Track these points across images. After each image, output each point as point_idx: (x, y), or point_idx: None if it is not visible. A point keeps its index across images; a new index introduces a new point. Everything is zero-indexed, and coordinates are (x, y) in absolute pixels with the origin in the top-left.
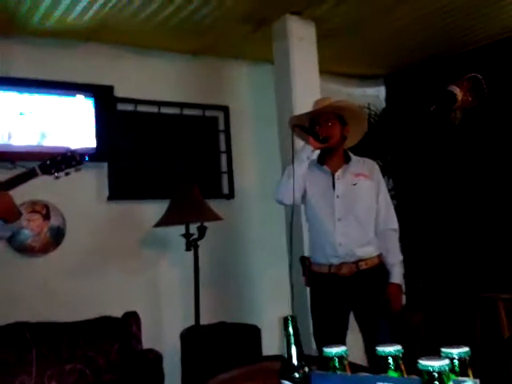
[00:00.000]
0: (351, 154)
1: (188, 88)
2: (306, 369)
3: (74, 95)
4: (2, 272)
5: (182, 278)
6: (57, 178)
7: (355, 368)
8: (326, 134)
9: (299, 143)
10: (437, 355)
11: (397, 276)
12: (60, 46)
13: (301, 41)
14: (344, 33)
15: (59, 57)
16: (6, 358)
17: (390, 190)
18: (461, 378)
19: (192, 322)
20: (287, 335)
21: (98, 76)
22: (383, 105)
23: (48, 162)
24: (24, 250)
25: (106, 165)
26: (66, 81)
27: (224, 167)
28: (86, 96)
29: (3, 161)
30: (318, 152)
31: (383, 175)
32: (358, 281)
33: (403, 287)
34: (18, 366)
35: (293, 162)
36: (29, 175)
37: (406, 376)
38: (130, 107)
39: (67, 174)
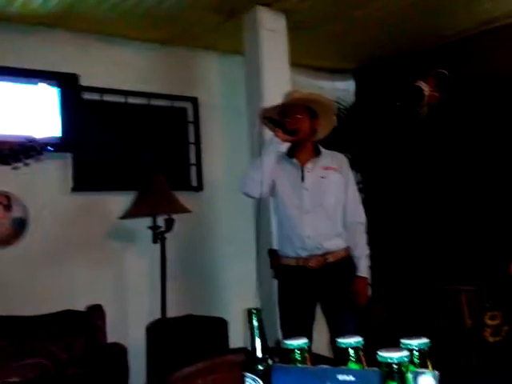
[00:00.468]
0: (321, 148)
1: (156, 78)
2: (270, 361)
3: (37, 83)
4: None
5: (149, 270)
6: (15, 168)
7: (319, 360)
8: (294, 126)
9: (268, 135)
10: (397, 347)
11: (363, 269)
12: (24, 32)
13: (271, 33)
14: (314, 25)
15: (23, 43)
16: None
17: (357, 184)
18: (420, 370)
19: (158, 315)
20: (251, 328)
21: (63, 64)
22: (352, 99)
23: (6, 152)
24: None
25: (70, 155)
26: (29, 68)
27: (193, 159)
28: (50, 84)
29: None
30: (287, 144)
31: (352, 169)
32: (326, 273)
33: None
34: None
35: (261, 155)
36: None
37: (366, 368)
38: (95, 96)
39: (26, 164)
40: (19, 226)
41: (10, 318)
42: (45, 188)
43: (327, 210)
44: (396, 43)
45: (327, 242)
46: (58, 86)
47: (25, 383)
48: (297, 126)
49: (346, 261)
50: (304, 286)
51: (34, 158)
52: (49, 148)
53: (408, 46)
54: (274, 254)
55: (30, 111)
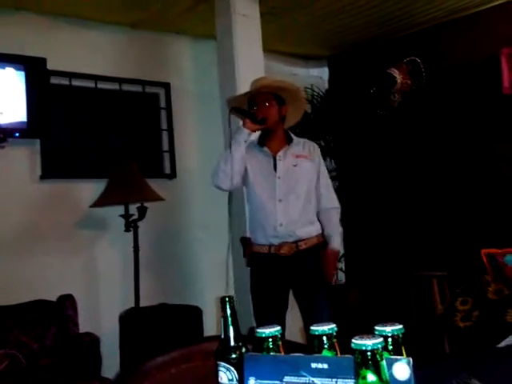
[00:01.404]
0: (292, 136)
1: (127, 63)
2: (243, 349)
3: (3, 67)
4: None
5: (122, 259)
6: None
7: (293, 347)
8: (263, 115)
9: (238, 123)
10: (371, 333)
11: (335, 243)
12: None
13: (244, 17)
14: (288, 11)
15: None
16: None
17: (331, 171)
18: (394, 357)
19: (132, 305)
20: (224, 316)
21: (29, 47)
22: (326, 86)
23: None
24: None
25: (38, 141)
26: None
27: (165, 146)
28: (16, 68)
29: None
30: (257, 134)
31: (325, 156)
32: (298, 260)
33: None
34: None
35: (230, 146)
36: None
37: (339, 355)
38: (64, 81)
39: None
40: None
41: None
42: (12, 176)
43: (300, 198)
44: (370, 30)
45: (299, 229)
46: (25, 70)
47: None
48: (265, 114)
49: (318, 247)
50: (276, 274)
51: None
52: (15, 134)
53: (381, 33)
54: (246, 242)
55: None
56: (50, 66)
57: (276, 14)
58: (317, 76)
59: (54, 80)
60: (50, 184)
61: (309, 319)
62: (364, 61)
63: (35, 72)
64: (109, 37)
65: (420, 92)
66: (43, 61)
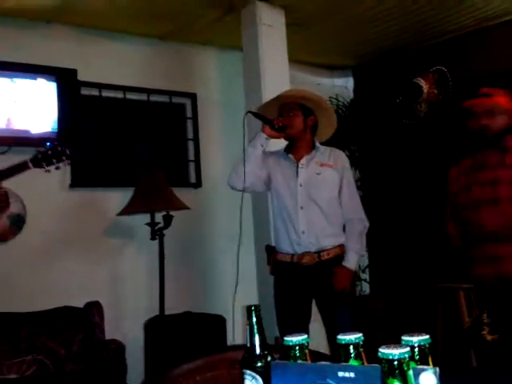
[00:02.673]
0: (318, 144)
1: (155, 73)
2: (269, 358)
3: (35, 78)
4: None
5: (147, 267)
6: (47, 171)
7: (317, 357)
8: (282, 123)
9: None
10: (397, 343)
11: (348, 260)
12: (22, 27)
13: (270, 28)
14: (313, 22)
15: (21, 38)
16: None
17: (356, 181)
18: (420, 367)
19: (156, 312)
20: (250, 324)
21: (61, 59)
22: (351, 96)
23: (39, 156)
24: None
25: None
26: (27, 63)
27: (191, 155)
28: (48, 79)
29: None
30: (276, 140)
31: (350, 166)
32: (320, 270)
33: (360, 275)
34: None
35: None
36: (21, 168)
37: (366, 364)
38: (94, 92)
39: (57, 168)
40: (17, 222)
41: (7, 314)
42: (43, 184)
43: (321, 207)
44: (395, 39)
45: (322, 239)
46: (57, 81)
47: (23, 380)
48: (287, 123)
49: (341, 258)
50: (298, 283)
51: (63, 162)
52: (46, 144)
53: (407, 43)
54: (271, 250)
55: (30, 106)
56: (81, 77)
57: (301, 25)
58: (342, 86)
59: (84, 91)
60: (78, 192)
61: (332, 331)
62: (389, 70)
63: (66, 83)
64: (137, 48)
65: (447, 102)
66: (74, 72)
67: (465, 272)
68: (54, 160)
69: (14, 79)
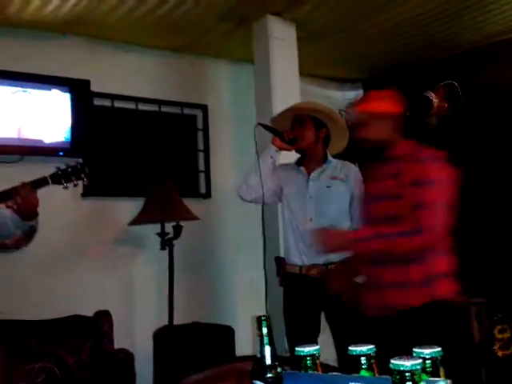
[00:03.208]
0: (330, 157)
1: (167, 85)
2: (279, 369)
3: (49, 89)
4: None
5: (157, 277)
6: (65, 187)
7: (327, 368)
8: (293, 135)
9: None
10: (409, 355)
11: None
12: (37, 39)
13: (281, 41)
14: (324, 35)
15: (36, 49)
16: None
17: None
18: (432, 379)
19: (165, 322)
20: (260, 335)
21: (74, 70)
22: None
23: (59, 173)
24: None
25: (77, 161)
26: (42, 74)
27: (201, 166)
28: (62, 90)
29: None
30: (286, 152)
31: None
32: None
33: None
34: None
35: (257, 160)
36: (41, 182)
37: (377, 376)
38: (106, 102)
39: (75, 185)
40: (29, 231)
41: (18, 322)
42: (54, 193)
43: (331, 220)
44: (406, 53)
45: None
46: (70, 92)
47: None
48: (297, 135)
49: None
50: (307, 295)
51: (82, 179)
52: (59, 153)
53: (417, 57)
54: (280, 262)
55: (43, 116)
56: (94, 87)
57: (312, 39)
58: (352, 99)
59: (97, 101)
60: (90, 202)
61: (341, 343)
62: (399, 84)
63: (79, 94)
64: (150, 60)
65: (457, 116)
66: (87, 83)
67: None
68: (72, 177)
69: (29, 90)
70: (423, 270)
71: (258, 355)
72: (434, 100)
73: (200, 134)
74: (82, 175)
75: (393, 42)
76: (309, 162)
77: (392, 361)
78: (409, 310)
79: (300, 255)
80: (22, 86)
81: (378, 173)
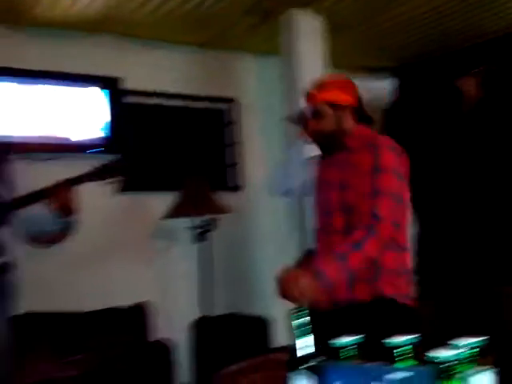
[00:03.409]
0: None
1: (195, 80)
2: (317, 359)
3: (84, 87)
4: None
5: (191, 269)
6: (104, 184)
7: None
8: None
9: None
10: (449, 345)
11: None
12: (67, 37)
13: (307, 33)
14: (352, 25)
15: (67, 48)
16: (21, 347)
17: None
18: (476, 369)
19: (201, 314)
20: (297, 326)
21: (106, 68)
22: (393, 97)
23: (98, 170)
24: (33, 240)
25: (114, 157)
26: (75, 72)
27: (230, 160)
28: (96, 88)
29: (17, 152)
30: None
31: None
32: None
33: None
34: (34, 355)
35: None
36: (77, 180)
37: (417, 366)
38: (137, 99)
39: (113, 181)
40: (66, 227)
41: (57, 314)
42: (93, 188)
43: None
44: (438, 40)
45: None
46: (104, 90)
47: (74, 378)
48: None
49: None
50: None
51: (119, 175)
52: (97, 150)
53: (450, 43)
54: (311, 254)
55: (77, 115)
56: (125, 85)
57: (339, 29)
58: (382, 88)
59: (128, 99)
60: (124, 196)
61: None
62: (432, 71)
63: (112, 91)
64: (177, 56)
65: (490, 102)
66: (119, 80)
67: None
68: (108, 175)
69: (63, 88)
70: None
71: (294, 346)
72: (468, 87)
73: (228, 128)
74: (120, 171)
75: (422, 29)
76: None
77: (430, 352)
78: (355, 305)
79: None
80: (57, 85)
81: (334, 162)
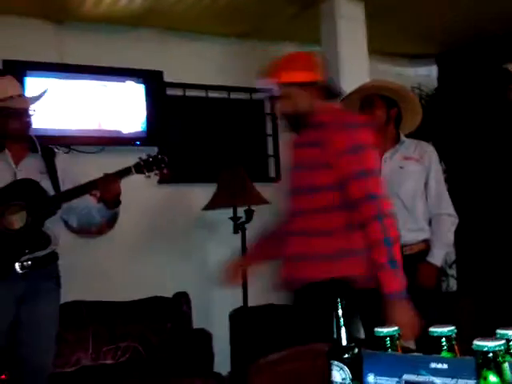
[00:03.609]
0: (403, 137)
1: (235, 72)
2: (356, 350)
3: (124, 81)
4: (60, 252)
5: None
6: (148, 177)
7: (406, 349)
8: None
9: None
10: (492, 336)
11: (433, 256)
12: (111, 32)
13: (349, 21)
14: (393, 11)
15: (111, 43)
16: (64, 334)
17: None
18: None
19: (240, 304)
20: (337, 317)
21: (147, 61)
22: (435, 84)
23: (142, 163)
24: (81, 231)
25: (156, 149)
26: (117, 66)
27: (270, 150)
28: (136, 81)
29: (60, 145)
30: None
31: None
32: (403, 266)
33: (447, 271)
34: (75, 342)
35: None
36: (125, 172)
37: (459, 357)
38: (178, 92)
39: (156, 174)
40: (112, 218)
41: (104, 303)
42: (133, 180)
43: (404, 201)
44: (481, 25)
45: (404, 233)
46: (144, 83)
47: (118, 365)
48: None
49: (426, 253)
50: None
51: (163, 169)
52: (136, 143)
53: (493, 28)
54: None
55: (120, 108)
56: (166, 78)
57: (381, 16)
58: (424, 75)
59: (169, 91)
60: (166, 188)
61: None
62: (476, 57)
63: (153, 84)
64: (217, 48)
65: None
66: (160, 74)
67: None
68: (154, 167)
69: (105, 82)
70: (333, 244)
71: (335, 336)
72: None
73: (268, 119)
74: (163, 165)
75: (467, 13)
76: (381, 142)
77: (475, 341)
78: (313, 284)
79: None
80: (99, 80)
81: (302, 141)
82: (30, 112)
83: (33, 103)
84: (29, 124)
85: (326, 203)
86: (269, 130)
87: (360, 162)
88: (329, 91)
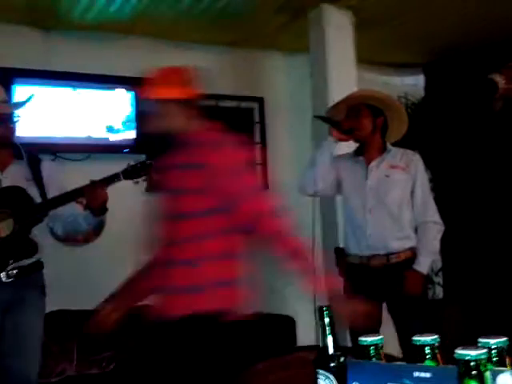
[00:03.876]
0: (390, 146)
1: (224, 80)
2: (342, 358)
3: (113, 88)
4: (45, 260)
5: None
6: (136, 182)
7: (390, 358)
8: (350, 125)
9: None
10: (474, 345)
11: (419, 264)
12: (100, 40)
13: (337, 30)
14: (381, 21)
15: (100, 50)
16: (48, 344)
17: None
18: (498, 368)
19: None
20: (323, 325)
21: (137, 69)
22: (422, 94)
23: (129, 169)
24: (66, 239)
25: (144, 157)
26: (106, 74)
27: (259, 159)
28: (125, 89)
29: (46, 152)
30: (345, 143)
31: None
32: (389, 274)
33: (433, 278)
34: (60, 352)
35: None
36: (112, 179)
37: (442, 365)
38: None
39: (145, 180)
40: (98, 226)
41: (89, 312)
42: (121, 188)
43: (390, 210)
44: (467, 35)
45: (391, 242)
46: (133, 91)
47: (103, 375)
48: (354, 125)
49: (412, 261)
50: (367, 286)
51: (150, 175)
52: (124, 150)
53: (480, 38)
54: (340, 253)
55: (107, 115)
56: None
57: (369, 25)
58: (411, 84)
59: None
60: (153, 196)
61: (404, 335)
62: (462, 67)
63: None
64: (206, 56)
65: None
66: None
67: None
68: (142, 173)
69: (94, 90)
70: (193, 275)
71: (321, 345)
72: (500, 82)
73: (257, 127)
74: (151, 171)
75: (454, 23)
76: (368, 151)
77: (457, 350)
78: (172, 320)
79: (359, 246)
80: (87, 87)
81: (171, 163)
82: (15, 118)
83: (17, 109)
84: (13, 130)
85: (197, 231)
86: (257, 138)
87: (244, 182)
88: (200, 108)
